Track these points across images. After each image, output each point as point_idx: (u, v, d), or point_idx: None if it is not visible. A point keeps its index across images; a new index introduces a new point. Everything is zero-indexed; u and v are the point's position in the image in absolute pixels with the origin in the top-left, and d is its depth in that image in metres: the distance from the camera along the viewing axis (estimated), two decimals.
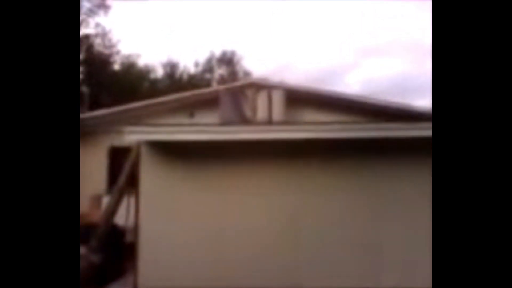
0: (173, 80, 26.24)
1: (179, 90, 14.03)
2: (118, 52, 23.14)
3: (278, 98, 8.68)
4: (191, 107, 9.62)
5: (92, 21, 20.80)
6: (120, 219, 6.62)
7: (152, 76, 26.56)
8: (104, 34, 21.82)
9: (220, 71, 28.44)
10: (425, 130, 5.15)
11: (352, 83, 38.02)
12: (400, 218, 5.41)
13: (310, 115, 8.95)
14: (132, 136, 5.24)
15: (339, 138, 5.13)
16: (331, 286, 5.10)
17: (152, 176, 5.49)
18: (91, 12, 20.53)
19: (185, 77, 27.16)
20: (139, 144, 5.64)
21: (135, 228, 5.45)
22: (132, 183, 5.81)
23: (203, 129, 5.24)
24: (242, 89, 9.34)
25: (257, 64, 40.30)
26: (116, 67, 23.47)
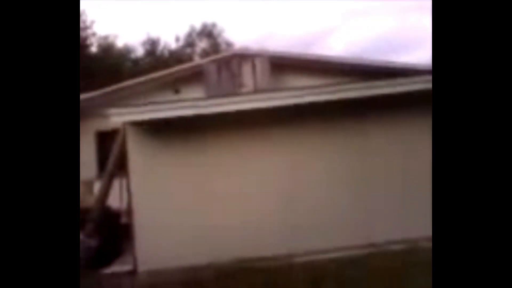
0: (155, 58, 25.66)
1: (161, 67, 13.71)
2: (94, 34, 22.48)
3: (262, 66, 8.54)
4: (176, 83, 9.44)
5: None
6: (114, 201, 6.61)
7: (132, 55, 25.94)
8: None
9: (201, 45, 27.86)
10: (413, 85, 5.15)
11: (335, 46, 37.65)
12: (393, 172, 5.47)
13: (296, 80, 8.85)
14: (117, 118, 5.16)
15: (326, 100, 5.09)
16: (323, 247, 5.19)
17: (141, 155, 5.43)
18: None
19: (166, 53, 26.59)
20: (125, 125, 5.56)
21: (129, 209, 5.43)
22: (122, 165, 5.75)
23: (188, 104, 5.15)
24: (225, 60, 9.17)
25: (239, 34, 39.55)
26: (94, 49, 22.82)
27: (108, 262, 5.70)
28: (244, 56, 9.03)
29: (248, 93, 6.96)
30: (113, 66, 21.64)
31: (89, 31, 22.01)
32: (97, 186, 7.30)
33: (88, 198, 7.16)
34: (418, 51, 37.56)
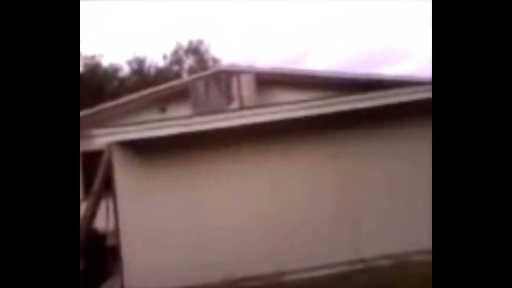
0: (142, 76, 25.57)
1: (148, 85, 13.63)
2: (80, 54, 22.38)
3: (249, 83, 8.54)
4: (162, 101, 9.38)
5: None
6: (100, 223, 6.46)
7: (119, 74, 25.81)
8: None
9: (188, 62, 27.88)
10: (403, 96, 5.16)
11: (318, 63, 38.14)
12: (382, 185, 5.44)
13: (284, 96, 8.83)
14: (102, 138, 5.07)
15: (314, 114, 5.07)
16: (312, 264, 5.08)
17: (127, 176, 5.34)
18: None
19: (153, 71, 26.53)
20: (110, 146, 5.46)
21: (116, 230, 5.30)
22: (108, 186, 5.63)
23: (174, 123, 5.09)
24: (212, 76, 9.17)
25: (226, 51, 39.75)
26: (80, 69, 22.68)
27: (95, 286, 5.51)
28: (231, 72, 9.03)
29: (233, 110, 6.93)
30: (99, 85, 21.50)
31: None
32: (83, 208, 7.13)
33: None
34: (398, 64, 38.22)
